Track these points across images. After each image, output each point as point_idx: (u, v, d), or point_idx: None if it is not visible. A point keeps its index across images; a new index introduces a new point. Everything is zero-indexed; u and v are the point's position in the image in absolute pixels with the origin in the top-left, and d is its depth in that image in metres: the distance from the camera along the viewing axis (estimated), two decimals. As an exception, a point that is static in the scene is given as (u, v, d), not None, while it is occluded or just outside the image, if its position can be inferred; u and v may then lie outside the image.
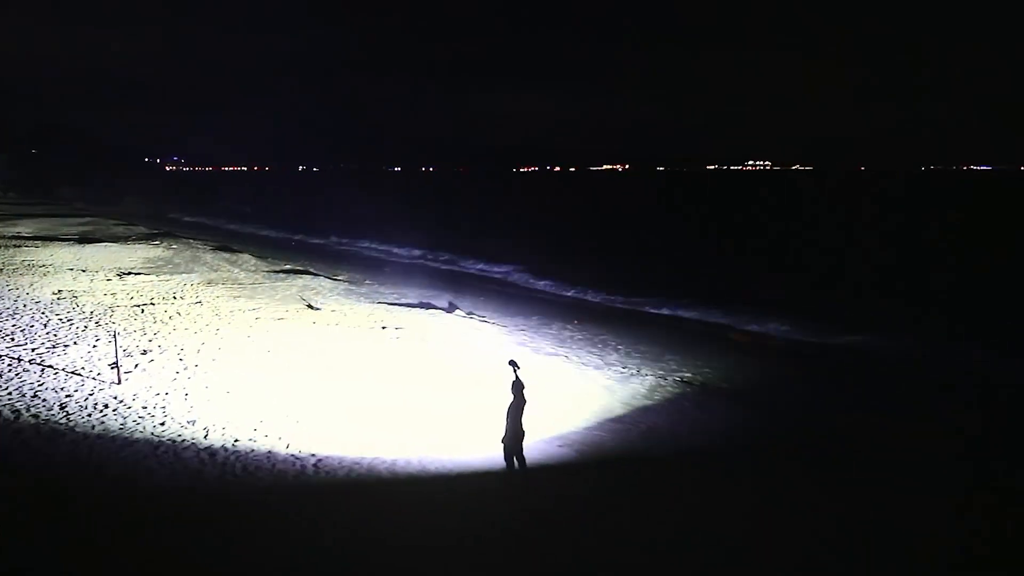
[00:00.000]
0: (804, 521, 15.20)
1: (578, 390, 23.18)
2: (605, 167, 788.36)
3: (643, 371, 26.30)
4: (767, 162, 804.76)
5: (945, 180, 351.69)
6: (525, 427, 15.42)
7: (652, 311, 41.40)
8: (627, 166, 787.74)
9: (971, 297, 44.85)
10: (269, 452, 16.98)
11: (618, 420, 20.83)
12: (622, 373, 25.81)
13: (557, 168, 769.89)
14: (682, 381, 25.26)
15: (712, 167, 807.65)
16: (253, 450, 17.01)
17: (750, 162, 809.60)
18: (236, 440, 17.46)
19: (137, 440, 17.02)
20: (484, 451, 17.41)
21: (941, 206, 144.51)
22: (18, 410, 18.30)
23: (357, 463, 16.75)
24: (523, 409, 15.30)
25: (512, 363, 15.67)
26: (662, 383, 24.83)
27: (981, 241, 78.50)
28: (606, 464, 17.82)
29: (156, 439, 17.17)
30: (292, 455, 16.90)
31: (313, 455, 16.95)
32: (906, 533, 14.76)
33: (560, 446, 18.56)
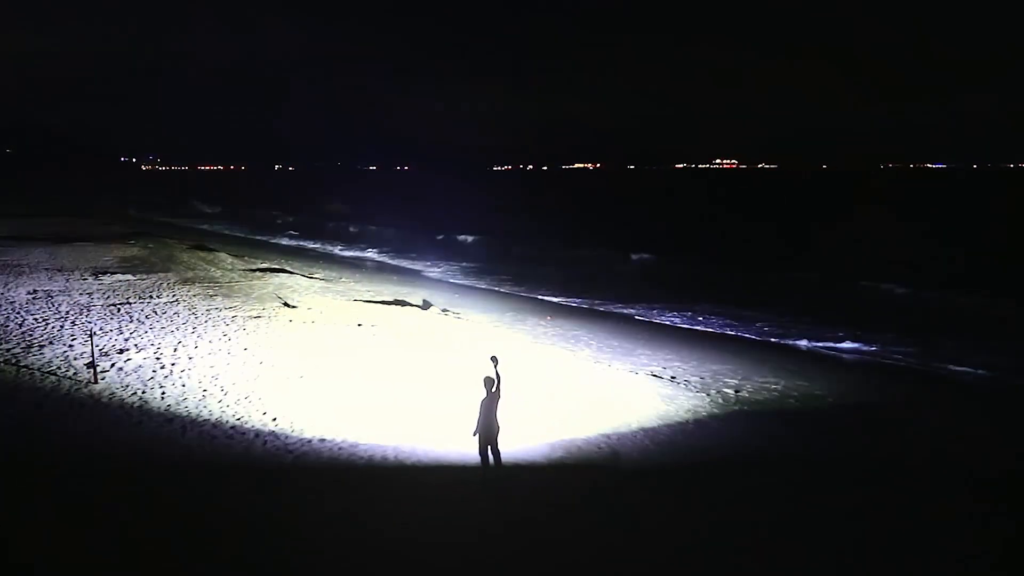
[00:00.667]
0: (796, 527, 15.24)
1: (552, 384, 23.09)
2: (577, 165, 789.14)
3: (614, 365, 26.32)
4: (734, 161, 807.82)
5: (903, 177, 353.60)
6: (501, 422, 15.37)
7: (623, 310, 41.31)
8: (599, 165, 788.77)
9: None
10: (247, 449, 16.95)
11: (591, 414, 20.74)
12: (594, 367, 25.77)
13: (530, 167, 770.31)
14: (652, 375, 25.27)
15: (681, 166, 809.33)
16: (230, 447, 16.95)
17: (717, 160, 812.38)
18: (214, 438, 17.38)
19: (113, 440, 16.86)
20: (459, 444, 17.32)
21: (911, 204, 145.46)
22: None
23: (335, 458, 16.76)
24: (497, 404, 15.27)
25: (493, 358, 15.61)
26: (634, 377, 24.83)
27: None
28: (579, 460, 17.73)
29: (133, 439, 17.03)
30: (270, 451, 16.87)
31: (290, 451, 16.94)
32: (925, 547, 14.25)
33: (535, 439, 18.48)
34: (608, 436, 19.15)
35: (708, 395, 23.40)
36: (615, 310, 40.80)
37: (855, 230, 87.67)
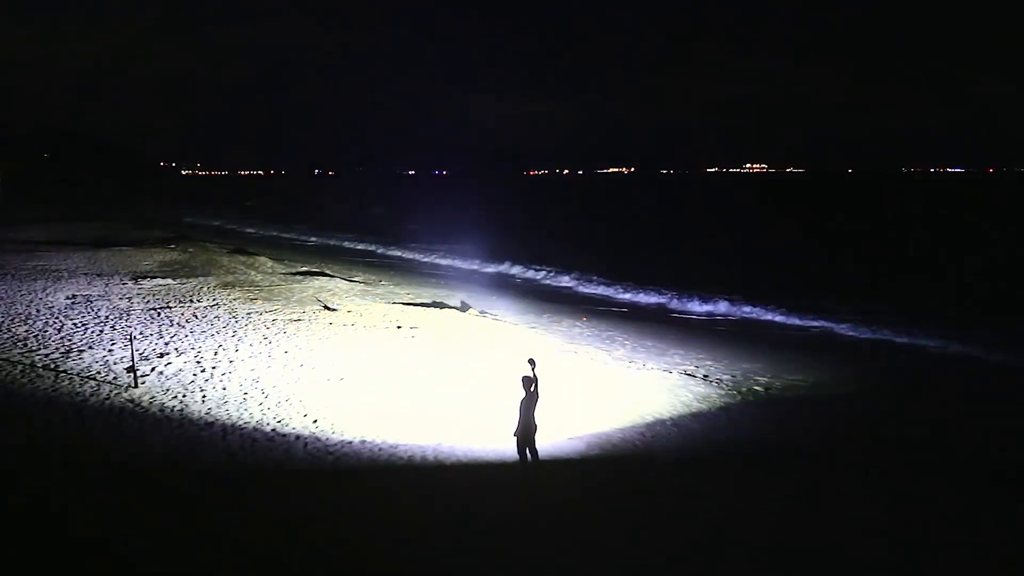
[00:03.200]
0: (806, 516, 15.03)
1: (588, 384, 22.88)
2: (611, 170, 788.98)
3: (649, 365, 26.08)
4: (764, 165, 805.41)
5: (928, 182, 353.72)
6: (538, 421, 15.25)
7: (655, 308, 41.09)
8: (632, 169, 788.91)
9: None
10: (287, 451, 16.85)
11: (626, 413, 20.61)
12: (629, 368, 25.51)
13: (566, 171, 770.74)
14: (685, 374, 25.00)
15: (712, 169, 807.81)
16: (271, 451, 16.82)
17: (747, 165, 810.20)
18: (254, 441, 17.27)
19: (154, 443, 16.73)
20: (497, 444, 17.36)
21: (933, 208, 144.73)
22: (31, 416, 17.93)
23: (374, 459, 16.63)
24: (535, 404, 15.14)
25: (531, 361, 15.48)
26: (667, 376, 24.56)
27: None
28: (615, 457, 17.65)
29: (174, 442, 16.90)
30: (310, 453, 16.77)
31: (330, 453, 16.86)
32: (943, 538, 14.11)
33: (570, 439, 18.39)
34: (639, 434, 19.08)
35: (738, 392, 23.24)
36: (652, 308, 40.63)
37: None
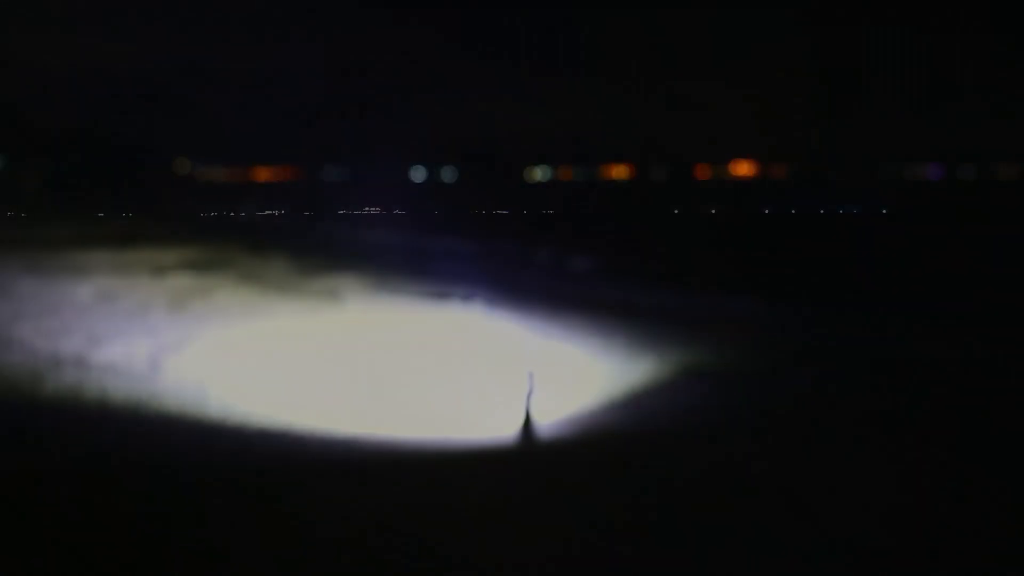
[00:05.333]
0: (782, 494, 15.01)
1: (583, 373, 22.94)
2: (607, 171, 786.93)
3: (643, 354, 26.02)
4: (751, 164, 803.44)
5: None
6: (532, 409, 15.34)
7: (650, 301, 41.03)
8: (629, 169, 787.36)
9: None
10: (301, 443, 16.90)
11: (620, 401, 20.64)
12: (624, 357, 25.53)
13: (565, 172, 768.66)
14: (680, 364, 24.96)
15: (706, 175, 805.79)
16: (284, 440, 16.88)
17: (735, 164, 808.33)
18: (268, 433, 17.29)
19: (174, 434, 16.80)
20: (498, 433, 17.37)
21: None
22: (58, 409, 17.97)
23: (380, 451, 16.69)
24: (532, 395, 15.24)
25: (525, 356, 15.58)
26: (661, 366, 24.58)
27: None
28: (609, 443, 17.64)
29: (193, 433, 16.98)
30: (321, 444, 16.82)
31: (339, 444, 16.92)
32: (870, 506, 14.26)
33: (566, 427, 18.34)
34: (632, 421, 19.08)
35: (729, 382, 23.08)
36: (646, 301, 40.63)
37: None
